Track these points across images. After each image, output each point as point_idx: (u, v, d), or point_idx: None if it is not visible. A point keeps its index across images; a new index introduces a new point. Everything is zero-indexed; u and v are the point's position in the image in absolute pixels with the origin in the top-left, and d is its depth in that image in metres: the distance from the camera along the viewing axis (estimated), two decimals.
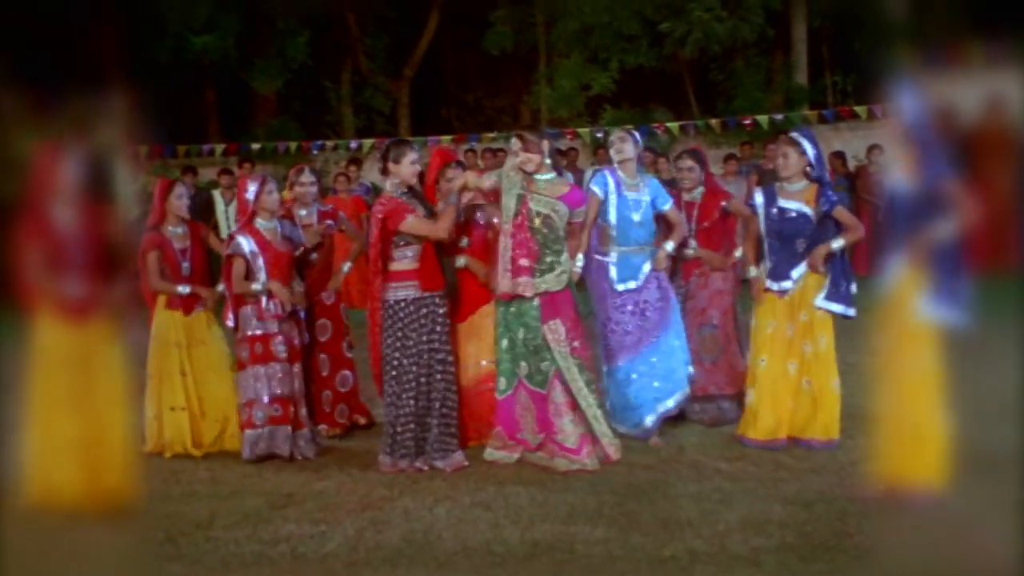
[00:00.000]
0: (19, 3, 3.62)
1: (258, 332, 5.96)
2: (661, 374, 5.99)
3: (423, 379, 5.61)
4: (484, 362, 6.03)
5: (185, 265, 6.30)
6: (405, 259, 5.60)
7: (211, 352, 6.41)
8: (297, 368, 6.11)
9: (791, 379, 5.84)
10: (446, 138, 16.64)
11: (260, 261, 5.95)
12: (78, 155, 3.74)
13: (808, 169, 5.81)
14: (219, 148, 16.37)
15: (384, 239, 5.55)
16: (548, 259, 5.55)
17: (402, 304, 5.58)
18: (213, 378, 6.38)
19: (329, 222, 6.64)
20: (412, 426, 5.61)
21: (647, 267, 6.04)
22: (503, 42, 17.96)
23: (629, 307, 6.04)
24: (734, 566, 4.14)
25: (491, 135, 16.57)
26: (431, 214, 5.62)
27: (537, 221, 5.56)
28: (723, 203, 6.52)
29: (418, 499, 5.17)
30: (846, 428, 6.00)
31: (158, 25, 15.38)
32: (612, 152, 6.16)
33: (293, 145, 16.13)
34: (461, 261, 6.06)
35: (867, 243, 12.94)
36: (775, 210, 5.86)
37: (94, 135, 3.70)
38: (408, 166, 5.60)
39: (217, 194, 13.55)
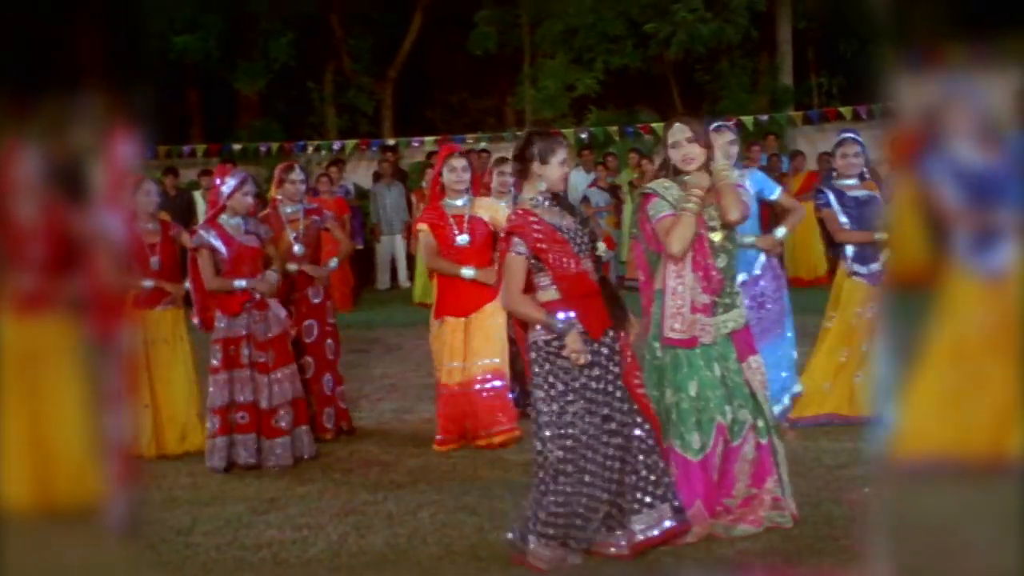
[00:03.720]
0: None
1: (230, 335, 5.86)
2: (786, 364, 6.00)
3: (590, 443, 4.15)
4: (486, 360, 6.00)
5: (153, 260, 6.27)
6: (548, 288, 4.25)
7: (174, 351, 6.34)
8: (281, 374, 5.95)
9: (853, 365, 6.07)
10: (430, 139, 16.61)
11: (223, 256, 5.86)
12: (40, 153, 3.68)
13: (865, 169, 6.12)
14: (201, 149, 16.30)
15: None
16: (731, 288, 4.47)
17: (556, 345, 4.16)
18: (175, 378, 6.32)
19: (315, 218, 6.61)
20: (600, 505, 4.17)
21: (762, 258, 5.94)
22: (487, 43, 17.93)
23: (746, 301, 5.88)
24: (720, 569, 4.12)
25: (475, 136, 16.54)
26: (583, 223, 4.36)
27: (718, 237, 4.39)
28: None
29: (402, 504, 5.12)
30: (831, 432, 6.01)
31: (139, 24, 15.29)
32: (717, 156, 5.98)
33: (275, 146, 16.06)
34: (468, 272, 6.02)
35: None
36: (849, 199, 6.03)
37: (70, 134, 3.64)
38: (557, 167, 4.27)
39: (199, 195, 13.48)
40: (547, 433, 4.14)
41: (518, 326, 4.41)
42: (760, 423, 4.45)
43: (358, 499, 5.25)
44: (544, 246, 4.15)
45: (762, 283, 5.94)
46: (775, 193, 6.04)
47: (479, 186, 6.55)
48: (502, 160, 6.97)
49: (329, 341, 6.60)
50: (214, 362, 5.89)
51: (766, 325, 5.91)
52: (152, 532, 4.76)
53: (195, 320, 6.06)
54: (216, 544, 4.70)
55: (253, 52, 17.62)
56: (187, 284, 6.45)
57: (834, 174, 6.21)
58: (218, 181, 6.04)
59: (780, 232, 6.03)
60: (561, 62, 16.73)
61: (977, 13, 3.51)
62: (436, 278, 6.37)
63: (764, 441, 4.46)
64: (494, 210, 6.15)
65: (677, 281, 4.34)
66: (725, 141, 5.81)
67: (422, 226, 6.19)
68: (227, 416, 5.85)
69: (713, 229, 4.37)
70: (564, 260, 4.18)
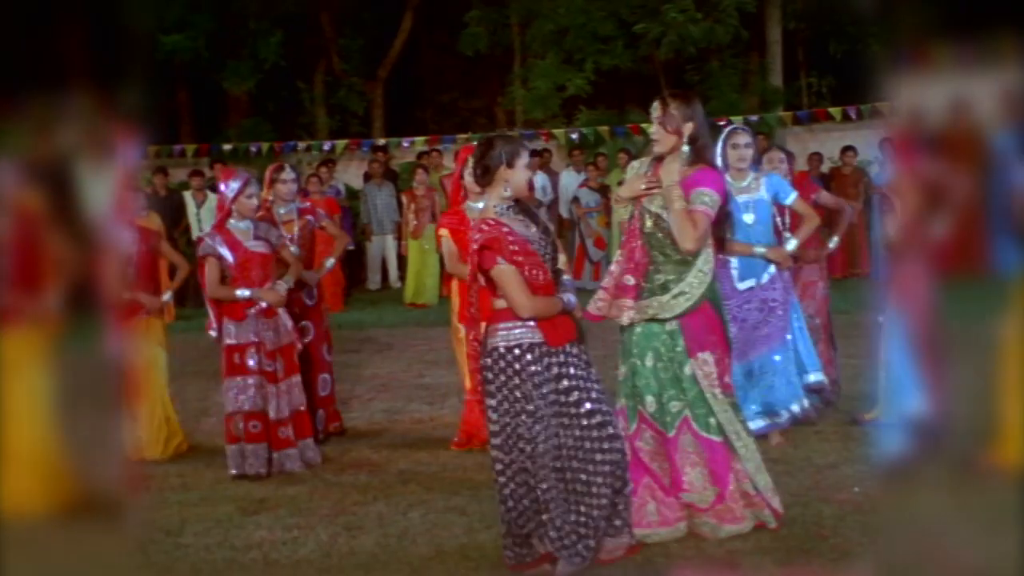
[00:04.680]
0: None
1: (234, 342, 5.77)
2: (786, 376, 5.87)
3: (557, 452, 4.06)
4: None
5: (129, 271, 6.20)
6: None
7: (146, 360, 6.26)
8: (288, 384, 5.88)
9: None
10: (420, 139, 16.60)
11: (229, 263, 5.76)
12: (19, 159, 3.63)
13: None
14: (190, 149, 16.26)
15: (485, 274, 4.07)
16: (661, 276, 4.34)
17: (517, 352, 4.02)
18: (144, 388, 6.23)
19: (309, 218, 6.58)
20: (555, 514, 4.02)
21: (771, 268, 5.83)
22: (477, 43, 17.92)
23: (754, 304, 5.81)
24: (710, 569, 4.12)
25: (466, 136, 16.54)
26: (546, 232, 4.14)
27: (649, 223, 4.37)
28: (812, 196, 6.54)
29: (392, 504, 5.12)
30: (820, 431, 6.02)
31: (127, 24, 15.25)
32: (732, 157, 5.88)
33: (266, 146, 16.03)
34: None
35: (843, 245, 13.04)
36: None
37: (57, 136, 3.61)
38: (522, 171, 4.09)
39: (188, 196, 13.45)
40: (497, 442, 4.07)
41: (471, 359, 4.20)
42: (712, 420, 4.39)
43: (348, 500, 5.25)
44: (520, 258, 3.98)
45: (769, 291, 5.83)
46: (790, 198, 5.94)
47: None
48: None
49: (325, 343, 6.60)
50: (223, 368, 5.83)
51: (770, 331, 5.82)
52: (142, 532, 4.76)
53: (211, 332, 5.90)
54: (206, 544, 4.69)
55: (242, 52, 17.58)
56: (166, 296, 6.42)
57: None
58: (222, 186, 5.95)
59: (791, 244, 5.92)
60: (551, 62, 16.73)
61: (965, 14, 3.53)
62: (457, 283, 6.19)
63: (717, 439, 4.40)
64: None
65: (616, 260, 4.45)
66: (742, 143, 5.83)
67: (443, 231, 6.04)
68: (231, 424, 5.77)
69: (650, 213, 4.36)
70: (536, 272, 4.03)
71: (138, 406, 6.18)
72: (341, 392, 7.01)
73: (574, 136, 15.63)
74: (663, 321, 4.34)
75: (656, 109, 4.36)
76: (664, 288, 4.33)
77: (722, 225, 4.49)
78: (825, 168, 14.03)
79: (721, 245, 4.61)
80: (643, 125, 15.25)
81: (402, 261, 13.76)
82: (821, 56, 17.57)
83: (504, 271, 3.95)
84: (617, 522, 4.16)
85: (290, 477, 5.71)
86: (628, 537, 4.21)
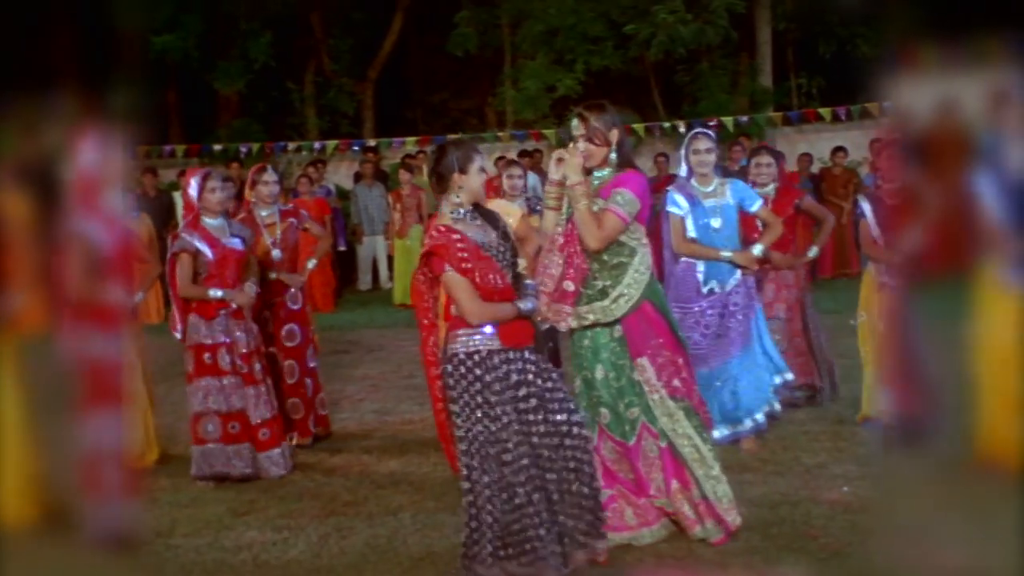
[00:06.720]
0: None
1: (206, 341, 5.68)
2: (750, 381, 5.76)
3: (528, 457, 4.01)
4: None
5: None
6: None
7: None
8: (267, 386, 5.82)
9: None
10: (411, 140, 16.60)
11: (208, 259, 5.67)
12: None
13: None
14: (180, 149, 16.22)
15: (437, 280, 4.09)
16: (599, 282, 4.35)
17: (476, 359, 3.99)
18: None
19: (292, 220, 6.55)
20: (526, 521, 3.97)
21: (737, 275, 5.72)
22: (467, 44, 17.92)
23: (717, 309, 5.71)
24: (700, 569, 4.13)
25: (457, 137, 16.53)
26: (504, 237, 4.13)
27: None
28: (796, 201, 6.54)
29: (382, 505, 5.12)
30: (809, 432, 6.04)
31: (115, 24, 15.21)
32: (693, 162, 5.78)
33: (256, 146, 16.00)
34: None
35: (833, 245, 13.10)
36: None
37: (42, 136, 3.60)
38: (476, 176, 4.08)
39: (178, 196, 13.42)
40: (463, 448, 4.01)
41: (430, 364, 4.20)
42: (657, 427, 4.37)
43: (339, 500, 5.25)
44: (469, 265, 3.94)
45: (732, 296, 5.74)
46: (756, 205, 5.82)
47: (490, 188, 6.46)
48: (511, 163, 6.91)
49: (311, 348, 6.55)
50: (188, 370, 5.74)
51: (733, 337, 5.72)
52: (132, 537, 4.75)
53: (176, 333, 5.84)
54: (196, 546, 4.69)
55: (232, 52, 17.55)
56: (139, 296, 6.32)
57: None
58: (187, 187, 5.88)
59: (757, 249, 5.81)
60: (542, 63, 16.73)
61: (953, 15, 3.55)
62: None
63: (663, 445, 4.37)
64: (507, 211, 6.06)
65: (546, 264, 4.39)
66: (703, 148, 5.72)
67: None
68: (198, 426, 5.67)
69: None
70: (490, 276, 3.98)
71: (130, 408, 6.13)
72: (332, 393, 7.00)
73: (564, 136, 15.63)
74: (610, 327, 4.36)
75: (578, 127, 4.38)
76: (603, 293, 4.35)
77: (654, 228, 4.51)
78: (815, 169, 14.06)
79: (658, 248, 4.61)
80: (634, 126, 15.29)
81: (392, 262, 13.75)
82: (811, 57, 17.60)
83: (451, 279, 3.95)
84: (593, 527, 4.14)
85: (280, 478, 5.69)
86: (605, 541, 4.19)
